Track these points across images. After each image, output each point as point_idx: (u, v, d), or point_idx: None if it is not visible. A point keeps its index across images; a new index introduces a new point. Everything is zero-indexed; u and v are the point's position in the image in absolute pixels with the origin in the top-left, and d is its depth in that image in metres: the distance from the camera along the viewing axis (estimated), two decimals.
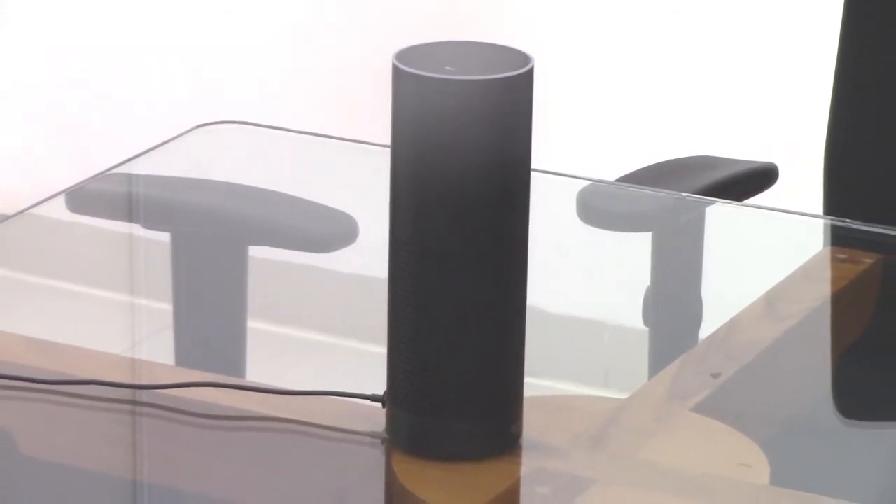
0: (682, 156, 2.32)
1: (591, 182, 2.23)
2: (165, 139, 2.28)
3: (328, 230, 2.19)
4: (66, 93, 3.85)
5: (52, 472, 1.90)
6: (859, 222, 2.21)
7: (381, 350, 1.73)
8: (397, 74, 1.67)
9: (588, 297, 2.58)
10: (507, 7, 3.48)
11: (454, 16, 3.49)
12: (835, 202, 2.31)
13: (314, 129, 2.34)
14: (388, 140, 1.69)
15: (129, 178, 2.24)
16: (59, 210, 2.18)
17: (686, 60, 3.43)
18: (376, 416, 1.78)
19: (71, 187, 2.20)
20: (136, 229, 2.26)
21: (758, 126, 3.17)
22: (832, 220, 2.27)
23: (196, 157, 2.29)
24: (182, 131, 2.30)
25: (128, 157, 2.25)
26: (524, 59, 1.68)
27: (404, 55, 1.67)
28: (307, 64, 3.67)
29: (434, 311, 1.70)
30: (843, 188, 2.32)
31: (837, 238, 2.22)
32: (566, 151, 2.30)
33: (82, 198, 2.22)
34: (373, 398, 1.78)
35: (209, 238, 2.19)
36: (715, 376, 1.90)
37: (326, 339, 2.56)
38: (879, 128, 2.32)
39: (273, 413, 1.84)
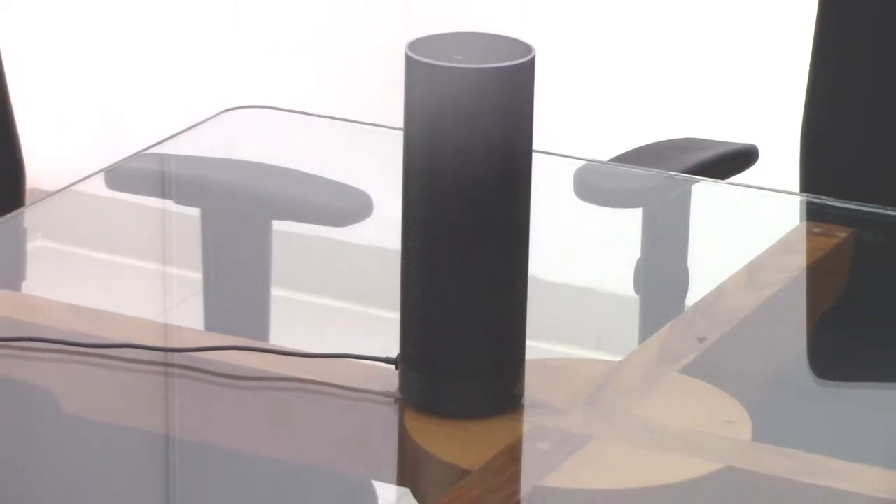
0: (670, 138, 2.32)
1: (586, 162, 2.23)
2: (196, 122, 2.28)
3: (345, 205, 2.19)
4: (105, 78, 3.85)
5: (90, 429, 1.90)
6: (833, 199, 2.21)
7: (395, 316, 1.73)
8: (410, 63, 1.66)
9: (583, 268, 2.57)
10: (510, 2, 3.48)
11: (462, 8, 3.49)
12: (811, 180, 2.31)
13: (333, 112, 2.34)
14: (401, 123, 1.68)
15: (162, 157, 2.24)
16: (98, 187, 2.18)
17: (673, 51, 3.43)
18: (390, 378, 1.77)
19: (109, 166, 2.20)
20: (169, 205, 2.26)
21: (740, 110, 3.17)
22: (808, 196, 2.27)
23: (224, 139, 2.28)
24: (211, 114, 2.30)
25: (162, 138, 2.25)
26: (526, 49, 1.67)
27: (416, 45, 1.67)
28: (328, 53, 3.67)
29: (443, 281, 1.69)
30: (819, 167, 2.32)
31: (813, 213, 2.22)
32: (564, 134, 2.30)
33: (119, 176, 2.22)
34: (386, 360, 1.78)
35: (236, 213, 2.19)
36: (701, 340, 1.90)
37: (343, 305, 2.56)
38: (852, 111, 2.32)
39: (294, 374, 1.84)
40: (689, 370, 1.85)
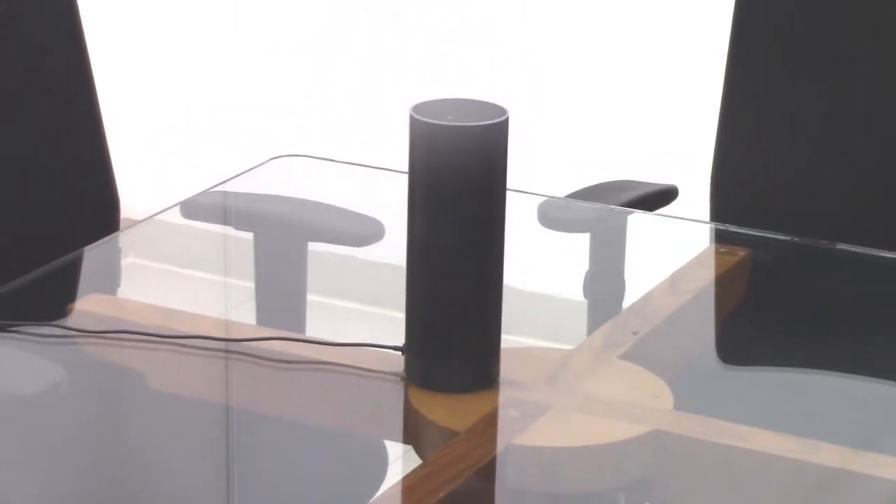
0: (611, 180, 2.32)
1: (547, 197, 2.23)
2: (250, 167, 2.29)
3: (363, 231, 2.19)
4: (181, 133, 3.85)
5: (170, 401, 1.90)
6: (735, 226, 2.21)
7: (401, 316, 1.72)
8: (413, 122, 1.66)
9: (545, 279, 2.58)
10: (490, 69, 3.47)
11: (451, 75, 3.49)
12: (718, 213, 2.31)
13: (355, 159, 2.34)
14: (406, 168, 1.68)
15: (225, 194, 2.24)
16: (175, 216, 2.18)
17: (615, 115, 3.43)
18: (397, 362, 1.76)
19: (183, 200, 2.20)
20: (229, 230, 2.26)
21: (664, 159, 3.17)
22: (716, 224, 2.27)
23: (271, 180, 2.29)
24: (261, 161, 2.31)
25: (223, 179, 2.26)
26: (501, 111, 1.67)
27: (418, 108, 1.67)
28: (351, 115, 3.67)
29: (438, 289, 1.69)
30: (724, 203, 2.32)
31: (720, 237, 2.22)
32: (531, 176, 2.30)
33: (191, 208, 2.22)
34: (395, 348, 1.77)
35: (280, 237, 2.19)
36: (634, 333, 1.89)
37: (362, 307, 2.56)
38: (750, 161, 2.32)
39: (324, 359, 1.83)
40: (625, 356, 1.84)
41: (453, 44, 3.54)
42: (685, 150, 2.61)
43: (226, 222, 2.29)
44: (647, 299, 2.01)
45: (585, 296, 2.14)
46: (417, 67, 3.55)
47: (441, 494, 1.56)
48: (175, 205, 2.18)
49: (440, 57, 3.54)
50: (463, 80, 3.49)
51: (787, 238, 2.17)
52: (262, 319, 2.11)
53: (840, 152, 2.27)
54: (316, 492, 1.88)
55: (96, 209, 2.19)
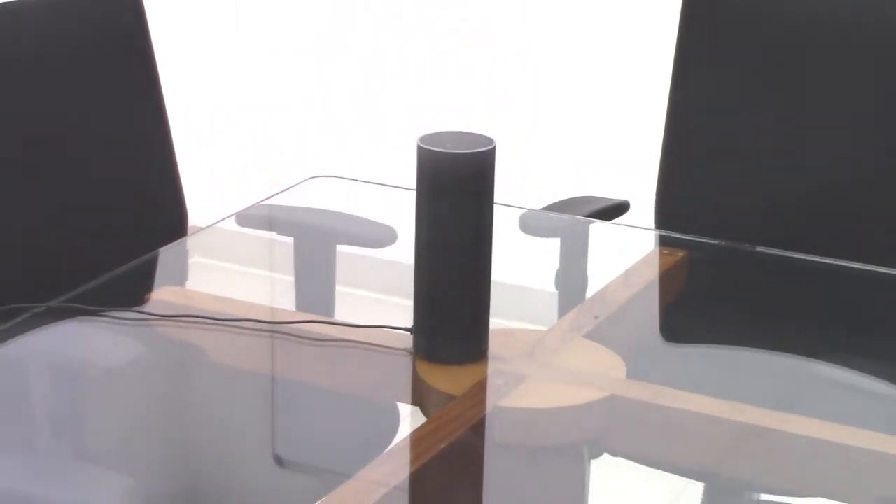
0: (577, 196, 2.32)
1: (526, 209, 2.23)
2: (291, 185, 2.29)
3: (379, 235, 2.18)
4: (233, 153, 3.85)
5: (226, 371, 1.90)
6: (675, 233, 2.21)
7: (409, 303, 1.73)
8: (419, 150, 1.67)
9: (524, 274, 2.57)
10: (481, 104, 3.47)
11: (451, 110, 3.49)
12: (661, 222, 2.30)
13: (374, 179, 2.34)
14: (414, 185, 1.69)
15: (270, 207, 2.24)
16: (231, 224, 2.18)
17: (582, 143, 3.43)
18: (407, 340, 1.77)
19: (238, 211, 2.20)
20: (274, 235, 2.25)
21: (619, 178, 3.16)
22: (660, 231, 2.27)
23: (307, 195, 2.28)
24: (300, 180, 2.31)
25: (270, 194, 2.26)
26: (490, 141, 1.67)
27: (424, 139, 1.67)
28: (371, 144, 3.66)
29: (439, 282, 1.70)
30: (666, 214, 2.31)
31: (663, 242, 2.22)
32: (514, 192, 2.30)
33: (244, 217, 2.22)
34: (405, 329, 1.77)
35: (314, 240, 2.19)
36: (596, 318, 1.89)
37: (379, 296, 2.55)
38: (688, 180, 2.31)
39: (349, 338, 1.83)
40: (588, 336, 1.85)
41: (456, 87, 3.54)
42: (635, 173, 2.60)
43: (271, 229, 2.29)
44: (605, 291, 2.02)
45: (556, 288, 2.15)
46: (425, 105, 3.54)
47: (442, 446, 1.57)
48: (231, 215, 2.19)
49: (444, 98, 3.54)
50: (460, 109, 3.49)
51: (717, 242, 2.16)
52: (299, 306, 2.11)
53: (763, 171, 2.26)
54: (342, 442, 1.88)
55: (169, 219, 2.20)
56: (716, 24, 2.27)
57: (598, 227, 2.23)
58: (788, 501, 1.75)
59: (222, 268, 2.26)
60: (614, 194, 2.30)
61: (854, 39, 2.17)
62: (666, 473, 1.75)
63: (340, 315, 2.06)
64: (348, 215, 2.22)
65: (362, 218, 2.21)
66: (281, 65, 3.77)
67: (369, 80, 3.65)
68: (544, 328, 1.88)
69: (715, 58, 2.27)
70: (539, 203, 2.28)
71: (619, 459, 1.75)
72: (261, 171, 3.75)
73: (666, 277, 2.10)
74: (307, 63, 3.73)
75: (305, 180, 2.31)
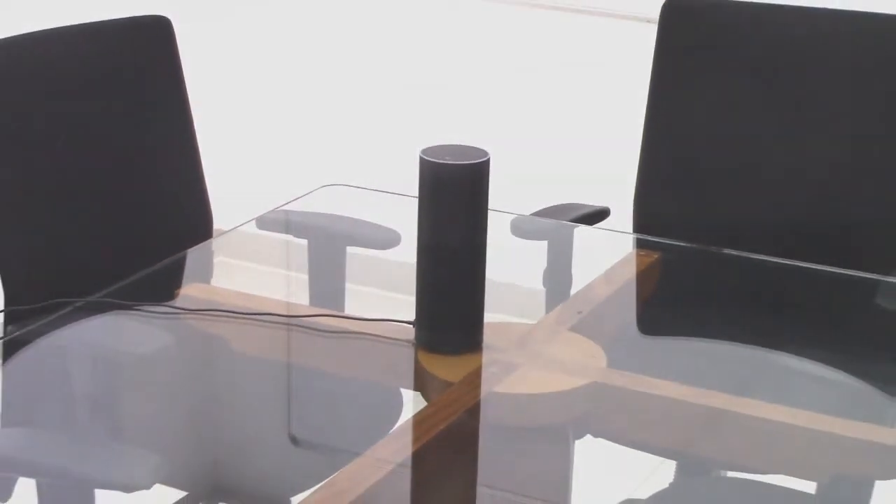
0: (563, 203, 2.32)
1: (517, 215, 2.23)
2: (305, 192, 2.29)
3: (385, 238, 2.18)
4: (254, 163, 3.84)
5: (248, 360, 1.90)
6: (650, 237, 2.21)
7: (412, 299, 1.73)
8: (422, 161, 1.67)
9: (516, 272, 2.56)
10: (477, 120, 3.47)
11: (450, 126, 3.49)
12: (638, 227, 2.30)
13: (382, 188, 2.34)
14: (416, 193, 1.69)
15: (287, 212, 2.24)
16: (252, 227, 2.18)
17: (568, 156, 3.43)
18: (409, 332, 1.77)
19: (258, 216, 2.20)
20: (290, 238, 2.25)
21: (601, 188, 3.16)
22: (637, 235, 2.27)
23: (321, 201, 2.28)
24: (314, 188, 2.31)
25: (286, 201, 2.26)
26: (484, 153, 1.68)
27: (426, 151, 1.68)
28: (381, 157, 3.66)
29: (439, 280, 1.70)
30: (643, 220, 2.31)
31: (639, 244, 2.22)
32: (506, 198, 2.30)
33: (264, 222, 2.22)
34: (408, 322, 1.78)
35: (327, 242, 2.19)
36: (579, 313, 1.89)
37: (385, 293, 2.55)
38: (661, 191, 2.31)
39: (358, 330, 1.84)
40: (573, 329, 1.85)
41: (454, 105, 3.54)
42: (614, 182, 2.60)
43: (287, 232, 2.29)
44: (587, 288, 2.02)
45: (544, 285, 2.15)
46: (426, 121, 3.55)
47: (441, 427, 1.57)
48: (251, 219, 2.19)
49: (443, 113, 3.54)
50: (456, 126, 3.50)
51: (687, 245, 2.16)
52: (313, 301, 2.11)
53: (728, 182, 2.26)
54: (351, 423, 1.88)
55: (196, 223, 2.20)
56: (689, 47, 2.27)
57: (581, 231, 2.23)
58: (751, 477, 1.75)
59: (244, 267, 2.25)
60: (596, 202, 2.30)
61: (824, 55, 2.17)
62: (642, 452, 1.76)
63: (350, 309, 2.06)
64: (357, 220, 2.23)
65: (369, 222, 2.21)
66: (298, 86, 3.78)
67: (377, 101, 3.66)
68: (533, 322, 1.88)
69: (687, 79, 2.27)
70: (528, 209, 2.28)
71: (600, 440, 1.75)
72: (278, 179, 3.75)
73: (642, 277, 2.11)
74: (322, 85, 3.74)
75: (318, 188, 2.31)
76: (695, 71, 2.26)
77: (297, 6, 3.77)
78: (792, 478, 1.68)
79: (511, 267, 2.32)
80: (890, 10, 2.14)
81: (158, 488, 1.52)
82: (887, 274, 2.04)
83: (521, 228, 2.25)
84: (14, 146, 1.93)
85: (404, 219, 1.92)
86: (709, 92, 2.25)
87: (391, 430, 1.68)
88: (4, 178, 1.91)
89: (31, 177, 1.95)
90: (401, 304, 1.82)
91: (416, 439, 1.58)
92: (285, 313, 1.89)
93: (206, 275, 2.11)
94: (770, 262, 2.09)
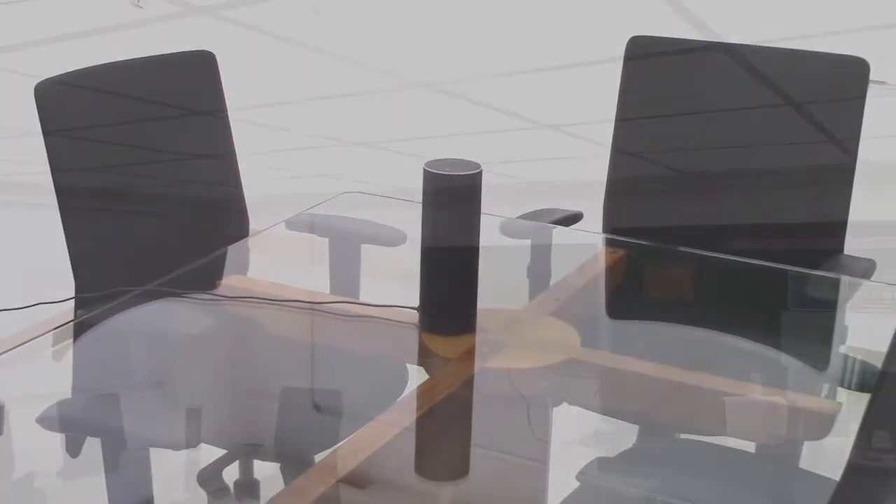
0: (544, 208, 2.31)
1: (505, 218, 2.22)
2: (326, 199, 2.27)
3: (393, 236, 2.18)
4: (284, 175, 3.83)
5: (278, 340, 1.89)
6: (617, 236, 2.20)
7: (416, 288, 1.73)
8: (425, 172, 1.67)
9: (504, 266, 2.55)
10: (472, 138, 3.47)
11: (449, 143, 3.48)
12: (607, 228, 2.29)
13: (391, 195, 2.33)
14: (420, 198, 1.68)
15: (312, 215, 2.23)
16: (282, 229, 2.17)
17: (547, 164, 3.42)
18: (414, 316, 1.77)
19: (287, 218, 2.20)
20: (314, 237, 2.25)
21: (575, 195, 3.15)
22: (606, 235, 2.26)
23: (340, 206, 2.27)
24: (334, 195, 2.30)
25: (310, 206, 2.25)
26: (477, 165, 1.67)
27: (430, 164, 1.68)
28: (390, 169, 3.65)
29: (439, 272, 1.70)
30: (611, 222, 2.30)
31: (609, 243, 2.22)
32: (496, 204, 2.29)
33: (292, 223, 2.22)
34: (413, 308, 1.77)
35: (344, 240, 2.18)
36: (558, 300, 1.89)
37: (393, 283, 2.54)
38: (626, 198, 2.31)
39: (370, 314, 1.84)
40: (552, 314, 1.85)
41: (453, 125, 3.53)
42: (587, 191, 2.60)
43: (312, 232, 2.28)
44: (564, 280, 2.02)
45: (528, 277, 2.14)
46: (429, 139, 3.54)
47: (440, 396, 1.57)
48: (281, 221, 2.18)
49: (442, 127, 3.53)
50: (454, 143, 3.49)
51: (648, 243, 2.16)
52: (333, 290, 2.11)
53: (683, 190, 2.25)
54: (363, 393, 1.88)
55: (235, 224, 2.20)
56: (649, 78, 2.26)
57: (559, 232, 2.23)
58: (702, 439, 1.74)
59: (275, 261, 2.25)
60: (572, 207, 2.29)
61: (758, 83, 2.17)
62: (610, 418, 1.75)
63: (364, 297, 2.06)
64: (369, 221, 2.22)
65: (380, 223, 2.20)
66: (324, 109, 3.77)
67: (387, 124, 3.65)
68: (519, 308, 1.89)
69: (647, 105, 2.27)
70: (515, 213, 2.27)
71: (575, 407, 1.75)
72: (304, 188, 3.74)
73: (610, 270, 2.11)
74: (342, 108, 3.73)
75: (338, 195, 2.30)
76: (654, 97, 2.25)
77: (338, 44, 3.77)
78: (736, 439, 1.67)
79: (500, 262, 2.32)
80: (813, 47, 2.15)
81: (203, 447, 1.52)
82: (815, 268, 2.03)
83: (509, 229, 2.24)
84: (86, 158, 1.92)
85: (409, 221, 1.91)
86: (666, 114, 2.25)
87: (398, 399, 1.68)
88: (78, 186, 1.91)
89: (100, 184, 1.95)
90: (407, 293, 1.82)
91: (419, 407, 1.58)
92: (309, 300, 1.89)
93: (243, 268, 2.11)
94: (718, 258, 2.09)
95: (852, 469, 1.19)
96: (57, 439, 1.60)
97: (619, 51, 2.27)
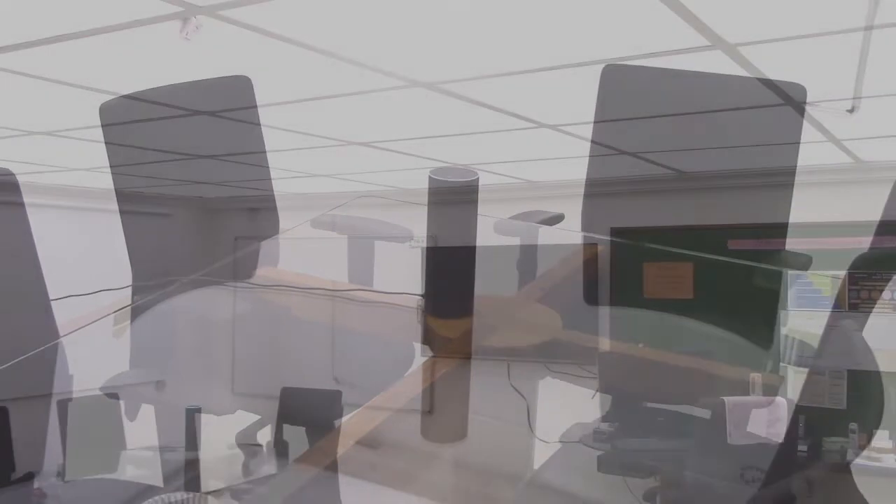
0: (531, 209, 2.27)
1: (497, 219, 2.18)
2: (345, 202, 2.24)
3: (402, 234, 2.14)
4: (308, 188, 3.78)
5: (303, 321, 1.86)
6: (594, 235, 2.16)
7: (422, 278, 1.69)
8: (430, 179, 1.64)
9: (496, 261, 2.51)
10: (469, 150, 3.42)
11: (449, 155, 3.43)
12: (585, 227, 2.25)
13: (400, 199, 2.29)
14: (426, 201, 1.65)
15: (332, 216, 2.20)
16: (307, 227, 2.13)
17: (534, 173, 3.36)
18: (420, 302, 1.73)
19: (311, 219, 2.16)
20: (334, 234, 2.21)
21: (558, 198, 3.11)
22: (583, 234, 2.23)
23: (356, 208, 2.24)
24: (351, 199, 2.26)
25: (331, 207, 2.21)
26: (474, 173, 1.64)
27: (435, 172, 1.65)
28: (399, 178, 3.60)
29: (441, 264, 1.66)
30: (588, 222, 2.26)
31: (585, 240, 2.18)
32: (491, 206, 2.25)
33: (315, 223, 2.18)
34: (419, 294, 1.74)
35: (360, 237, 2.14)
36: (542, 289, 1.86)
37: (402, 273, 2.50)
38: (602, 202, 2.27)
39: (382, 300, 1.80)
40: (538, 300, 1.82)
41: (453, 140, 3.48)
42: (569, 196, 2.56)
43: (333, 230, 2.25)
44: (548, 271, 1.99)
45: (517, 269, 2.11)
46: (432, 152, 3.49)
47: (444, 370, 1.53)
48: (306, 221, 2.14)
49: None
50: (454, 155, 3.44)
51: (620, 240, 2.12)
52: (351, 279, 2.07)
53: (651, 195, 2.22)
54: (377, 367, 1.85)
55: (267, 224, 2.16)
56: (622, 101, 2.23)
57: (543, 230, 2.19)
58: (665, 407, 1.72)
59: (301, 254, 2.21)
60: (555, 209, 2.26)
61: (712, 103, 2.14)
62: (588, 389, 1.72)
63: (377, 285, 2.02)
64: (382, 221, 2.19)
65: (391, 223, 2.17)
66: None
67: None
68: (510, 295, 1.85)
69: (620, 123, 2.24)
70: (506, 214, 2.24)
71: (558, 381, 1.72)
72: (327, 193, 3.69)
73: (587, 263, 2.08)
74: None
75: (355, 199, 2.27)
76: (625, 115, 2.22)
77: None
78: (694, 407, 1.64)
79: (494, 256, 2.28)
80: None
81: (239, 413, 1.49)
82: (759, 262, 2.01)
83: (501, 228, 2.21)
84: (140, 166, 1.89)
85: (416, 221, 1.88)
86: (635, 130, 2.22)
87: (406, 373, 1.66)
88: (131, 189, 1.88)
89: (151, 188, 1.92)
90: (413, 282, 1.79)
91: (424, 380, 1.55)
92: (331, 288, 1.86)
93: (274, 260, 2.08)
94: (679, 252, 2.06)
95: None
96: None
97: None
